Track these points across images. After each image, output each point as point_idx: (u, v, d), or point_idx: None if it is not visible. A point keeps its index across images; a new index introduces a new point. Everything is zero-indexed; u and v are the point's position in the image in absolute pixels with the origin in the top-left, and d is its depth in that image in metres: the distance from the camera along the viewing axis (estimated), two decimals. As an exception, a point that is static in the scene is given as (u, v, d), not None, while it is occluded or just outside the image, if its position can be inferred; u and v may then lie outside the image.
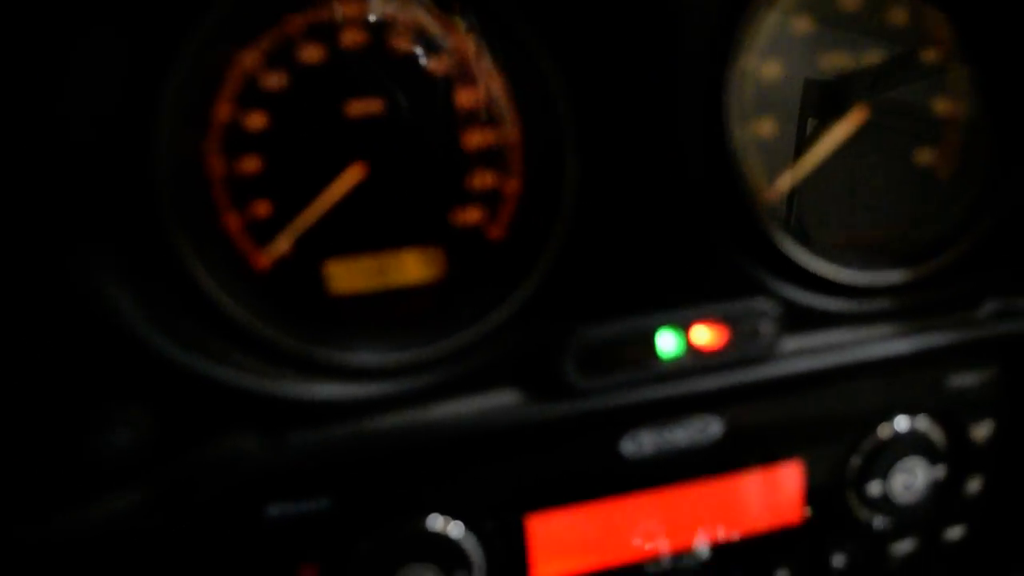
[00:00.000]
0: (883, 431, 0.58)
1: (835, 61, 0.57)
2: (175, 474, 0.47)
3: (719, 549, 0.57)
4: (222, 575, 0.49)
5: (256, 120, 0.49)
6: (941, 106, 0.59)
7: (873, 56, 0.57)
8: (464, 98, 0.51)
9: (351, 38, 0.50)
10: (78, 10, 0.42)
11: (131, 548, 0.46)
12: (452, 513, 0.52)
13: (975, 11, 0.58)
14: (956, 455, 0.60)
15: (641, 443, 0.54)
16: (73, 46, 0.42)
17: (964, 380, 0.59)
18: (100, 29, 0.43)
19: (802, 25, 0.56)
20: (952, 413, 0.59)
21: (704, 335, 0.53)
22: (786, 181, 0.56)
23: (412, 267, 0.53)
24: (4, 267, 0.42)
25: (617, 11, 0.49)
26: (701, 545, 0.57)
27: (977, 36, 0.58)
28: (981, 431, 0.60)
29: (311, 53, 0.49)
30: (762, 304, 0.53)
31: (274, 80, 0.49)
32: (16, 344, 0.42)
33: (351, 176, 0.50)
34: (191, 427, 0.47)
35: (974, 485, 0.61)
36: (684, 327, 0.52)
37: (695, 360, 0.52)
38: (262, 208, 0.50)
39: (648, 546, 0.56)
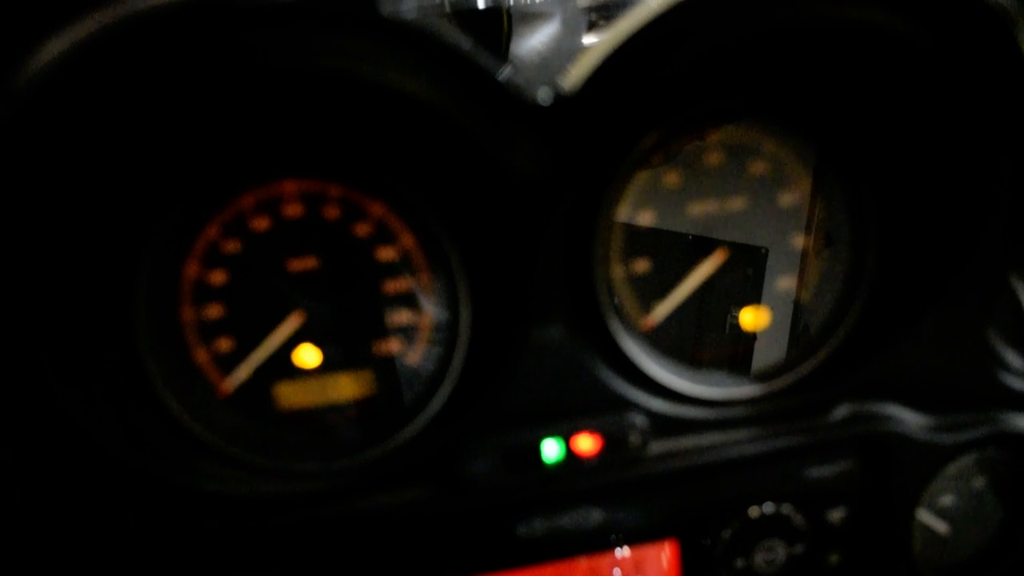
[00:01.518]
0: (751, 513, 0.69)
1: (702, 208, 0.67)
2: (159, 552, 0.61)
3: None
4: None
5: (217, 276, 0.62)
6: (798, 240, 0.69)
7: (736, 202, 0.68)
8: (383, 254, 0.64)
9: (291, 210, 0.63)
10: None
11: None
12: (380, 583, 0.65)
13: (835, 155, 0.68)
14: (814, 535, 0.70)
15: (533, 527, 0.65)
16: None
17: (820, 472, 0.69)
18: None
19: (672, 179, 0.66)
20: (811, 499, 0.70)
21: (582, 443, 0.64)
22: (657, 312, 0.67)
23: (346, 386, 0.66)
24: (26, 412, 0.55)
25: (489, 179, 0.57)
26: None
27: (835, 174, 0.69)
28: (837, 514, 0.70)
29: (259, 223, 0.62)
30: (631, 417, 0.64)
31: (231, 245, 0.62)
32: (38, 472, 0.56)
33: (293, 321, 0.63)
34: (172, 520, 0.60)
35: (832, 560, 0.71)
36: (566, 437, 0.64)
37: (574, 464, 0.64)
38: (224, 344, 0.63)
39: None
